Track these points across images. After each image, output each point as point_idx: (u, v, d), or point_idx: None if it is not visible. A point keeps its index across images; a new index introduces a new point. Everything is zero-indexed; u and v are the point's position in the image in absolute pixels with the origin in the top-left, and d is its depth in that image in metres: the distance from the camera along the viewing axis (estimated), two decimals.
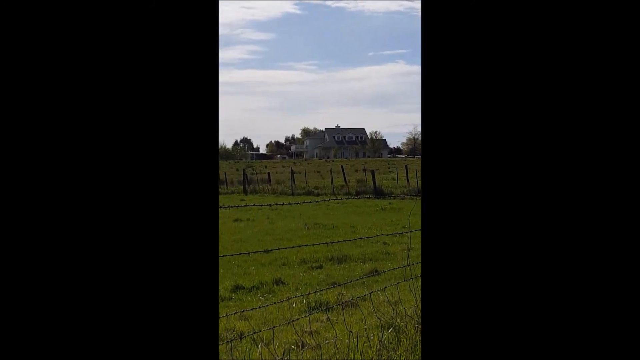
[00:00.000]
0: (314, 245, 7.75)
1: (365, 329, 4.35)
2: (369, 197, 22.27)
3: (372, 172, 26.60)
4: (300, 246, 5.31)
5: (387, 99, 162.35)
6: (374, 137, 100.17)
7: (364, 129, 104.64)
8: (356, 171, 40.72)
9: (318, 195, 26.08)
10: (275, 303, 5.80)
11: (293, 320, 4.74)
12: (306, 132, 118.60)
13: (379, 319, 4.44)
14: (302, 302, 6.33)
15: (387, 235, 9.34)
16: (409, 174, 28.43)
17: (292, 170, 32.26)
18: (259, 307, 5.32)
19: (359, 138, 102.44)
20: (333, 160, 69.16)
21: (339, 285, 6.93)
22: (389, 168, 45.72)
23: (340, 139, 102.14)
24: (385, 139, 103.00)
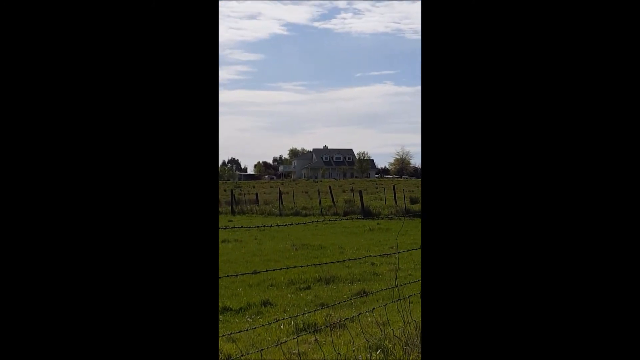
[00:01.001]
0: (302, 267, 7.73)
1: (354, 351, 4.34)
2: (357, 218, 22.27)
3: (360, 193, 26.65)
4: (288, 267, 5.29)
5: (374, 120, 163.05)
6: (362, 157, 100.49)
7: (351, 149, 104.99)
8: (344, 191, 40.77)
9: (306, 215, 26.05)
10: (262, 325, 5.77)
11: (281, 343, 4.72)
12: (294, 153, 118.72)
13: (367, 340, 4.43)
14: (290, 324, 6.30)
15: (375, 256, 9.34)
16: (396, 194, 28.49)
17: (280, 191, 32.24)
18: (247, 330, 5.29)
19: (347, 158, 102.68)
20: (321, 181, 69.19)
21: (327, 306, 6.91)
22: (376, 188, 45.79)
23: (328, 160, 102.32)
24: (372, 159, 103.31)
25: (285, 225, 4.92)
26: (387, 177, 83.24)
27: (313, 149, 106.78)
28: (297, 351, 4.72)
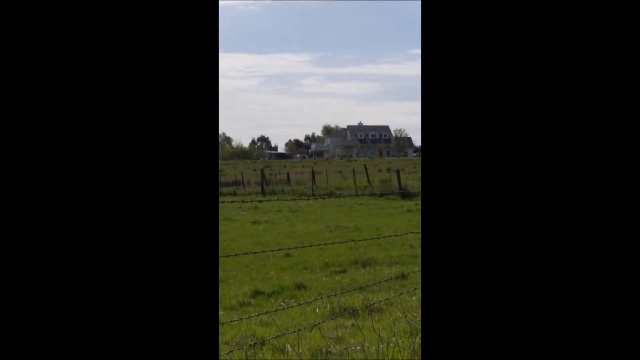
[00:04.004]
0: (337, 243, 7.73)
1: (394, 334, 4.35)
2: (394, 199, 22.25)
3: (397, 172, 26.58)
4: (320, 245, 5.28)
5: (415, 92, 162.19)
6: (399, 134, 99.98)
7: (388, 126, 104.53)
8: (380, 171, 40.70)
9: (340, 196, 26.12)
10: (292, 306, 5.80)
11: (318, 323, 4.75)
12: (327, 130, 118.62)
13: (408, 323, 4.44)
14: (326, 307, 6.34)
15: (416, 233, 9.30)
16: None
17: (312, 171, 32.33)
18: (276, 311, 5.33)
19: (383, 136, 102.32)
20: (356, 160, 69.18)
21: (364, 287, 6.93)
22: (414, 167, 45.64)
23: (363, 137, 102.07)
24: (410, 137, 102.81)
25: (322, 198, 4.94)
26: None
27: (347, 126, 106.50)
28: (334, 335, 4.74)
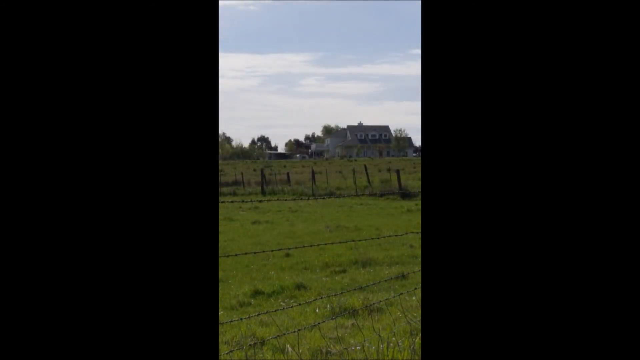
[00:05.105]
0: (337, 243, 7.74)
1: (394, 334, 4.35)
2: (394, 199, 22.24)
3: (397, 172, 26.56)
4: (320, 245, 5.29)
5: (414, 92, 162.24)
6: (399, 135, 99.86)
7: (388, 126, 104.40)
8: (380, 171, 40.65)
9: (340, 196, 26.09)
10: (292, 306, 5.81)
11: (318, 323, 4.75)
12: (327, 130, 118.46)
13: (408, 323, 4.44)
14: (326, 307, 6.34)
15: (416, 233, 9.31)
16: None
17: (312, 171, 32.29)
18: (276, 311, 5.34)
19: (383, 136, 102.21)
20: (356, 160, 69.12)
21: (364, 287, 6.93)
22: (414, 167, 45.61)
23: (363, 137, 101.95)
24: (410, 137, 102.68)
25: (322, 198, 4.95)
26: None
27: (347, 126, 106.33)
28: (334, 335, 4.74)
